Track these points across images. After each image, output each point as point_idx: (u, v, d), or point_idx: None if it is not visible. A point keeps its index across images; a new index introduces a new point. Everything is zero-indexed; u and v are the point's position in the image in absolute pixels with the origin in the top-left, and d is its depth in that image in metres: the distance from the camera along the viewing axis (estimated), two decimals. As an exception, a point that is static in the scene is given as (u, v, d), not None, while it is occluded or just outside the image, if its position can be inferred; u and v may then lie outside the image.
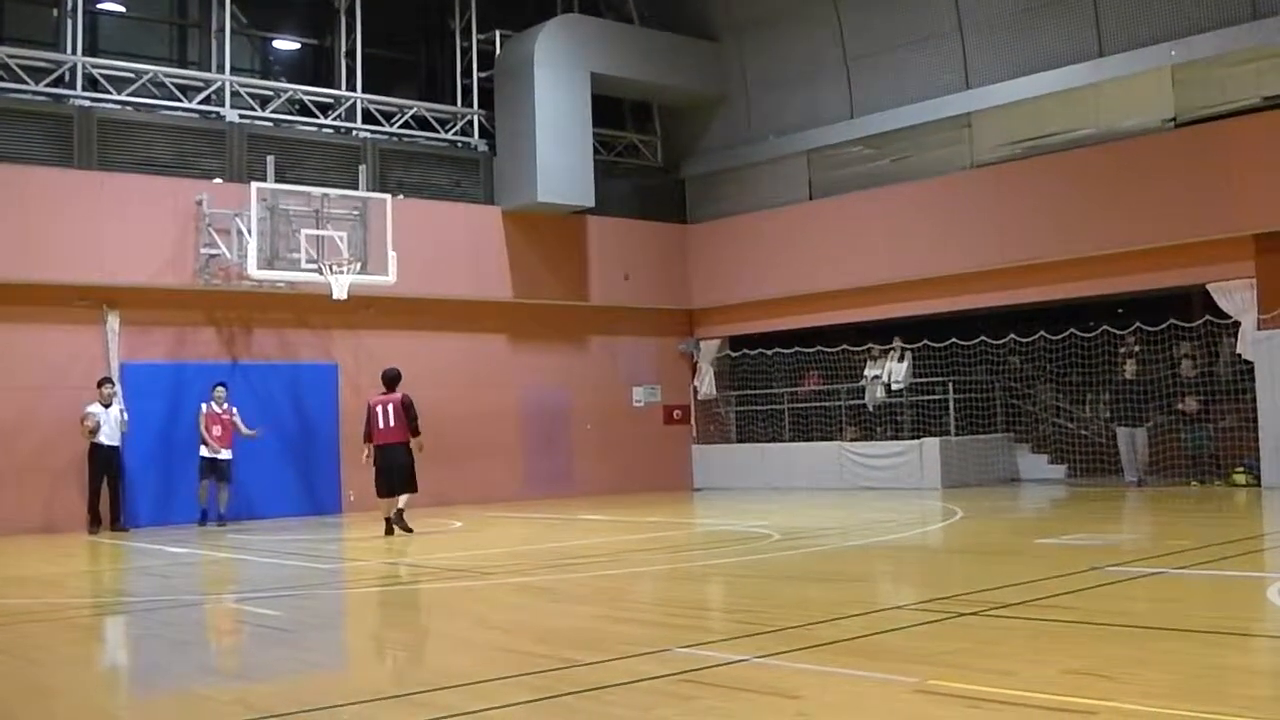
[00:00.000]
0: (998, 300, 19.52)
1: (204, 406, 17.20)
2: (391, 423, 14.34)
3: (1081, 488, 18.75)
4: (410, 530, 14.25)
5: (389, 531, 14.21)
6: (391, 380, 14.73)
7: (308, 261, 17.30)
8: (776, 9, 22.03)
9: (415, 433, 14.46)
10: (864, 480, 20.41)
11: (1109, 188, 17.83)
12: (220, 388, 17.36)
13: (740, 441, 23.56)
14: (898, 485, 19.74)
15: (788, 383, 22.73)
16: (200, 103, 18.69)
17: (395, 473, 14.39)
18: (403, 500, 14.35)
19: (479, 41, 21.41)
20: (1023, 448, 20.94)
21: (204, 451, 17.08)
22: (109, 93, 17.91)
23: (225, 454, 17.16)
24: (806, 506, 17.29)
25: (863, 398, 21.65)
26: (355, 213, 17.87)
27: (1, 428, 16.36)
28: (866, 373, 21.56)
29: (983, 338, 20.14)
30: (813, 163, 21.96)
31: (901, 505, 16.68)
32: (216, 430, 17.12)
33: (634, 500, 19.85)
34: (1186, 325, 18.12)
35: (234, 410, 17.37)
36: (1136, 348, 18.58)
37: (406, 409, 14.40)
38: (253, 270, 16.96)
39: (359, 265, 17.57)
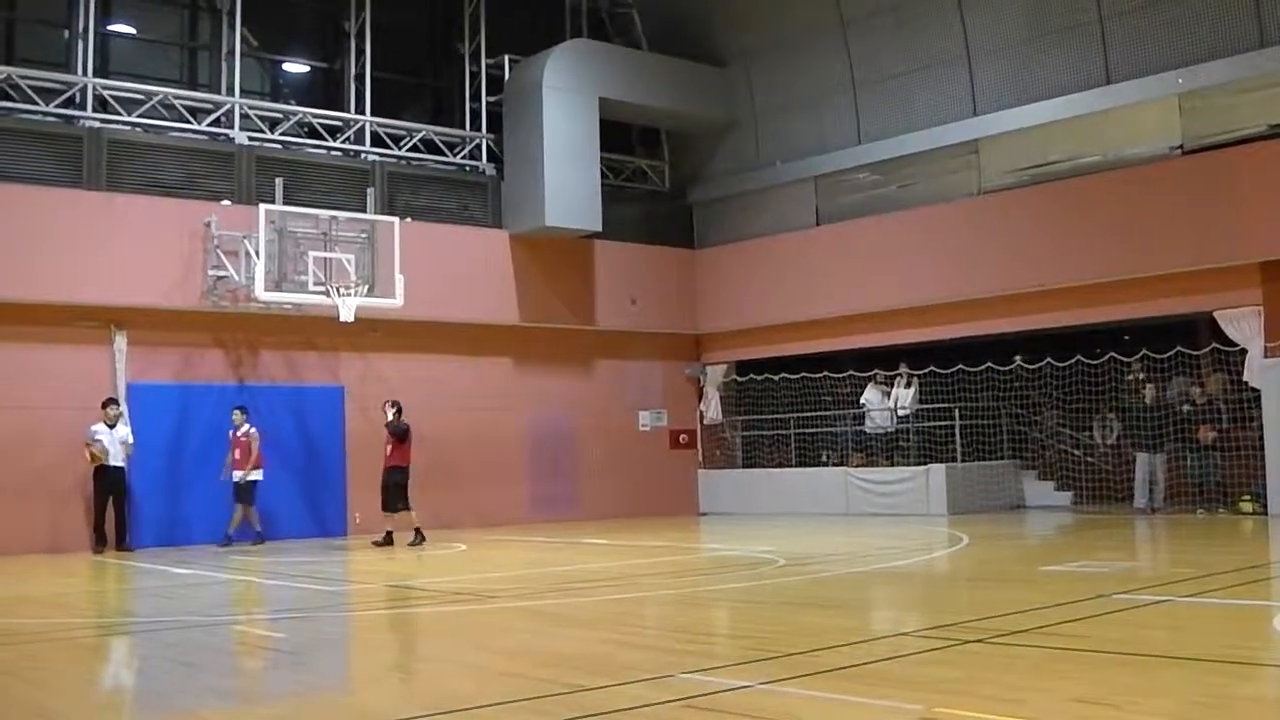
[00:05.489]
0: (1004, 326, 19.52)
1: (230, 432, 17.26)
2: None
3: (1087, 515, 18.67)
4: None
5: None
6: None
7: (315, 284, 17.35)
8: (785, 35, 22.10)
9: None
10: (869, 506, 20.35)
11: (1116, 215, 17.83)
12: (235, 411, 17.25)
13: (746, 466, 23.52)
14: (903, 511, 19.68)
15: (794, 408, 22.69)
16: (209, 125, 18.78)
17: None
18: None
19: (488, 66, 21.48)
20: (1029, 474, 20.89)
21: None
22: (119, 114, 17.98)
23: (237, 476, 17.00)
24: (812, 532, 17.24)
25: (869, 424, 21.61)
26: (363, 235, 17.92)
27: (8, 447, 16.36)
28: (863, 399, 21.51)
29: (989, 364, 20.11)
30: (820, 189, 22.00)
31: (907, 531, 16.63)
32: (237, 454, 17.06)
33: (639, 525, 19.80)
34: (1193, 352, 18.10)
35: (252, 432, 17.19)
36: (1143, 374, 18.54)
37: None
38: (260, 292, 17.00)
39: (366, 288, 17.62)
